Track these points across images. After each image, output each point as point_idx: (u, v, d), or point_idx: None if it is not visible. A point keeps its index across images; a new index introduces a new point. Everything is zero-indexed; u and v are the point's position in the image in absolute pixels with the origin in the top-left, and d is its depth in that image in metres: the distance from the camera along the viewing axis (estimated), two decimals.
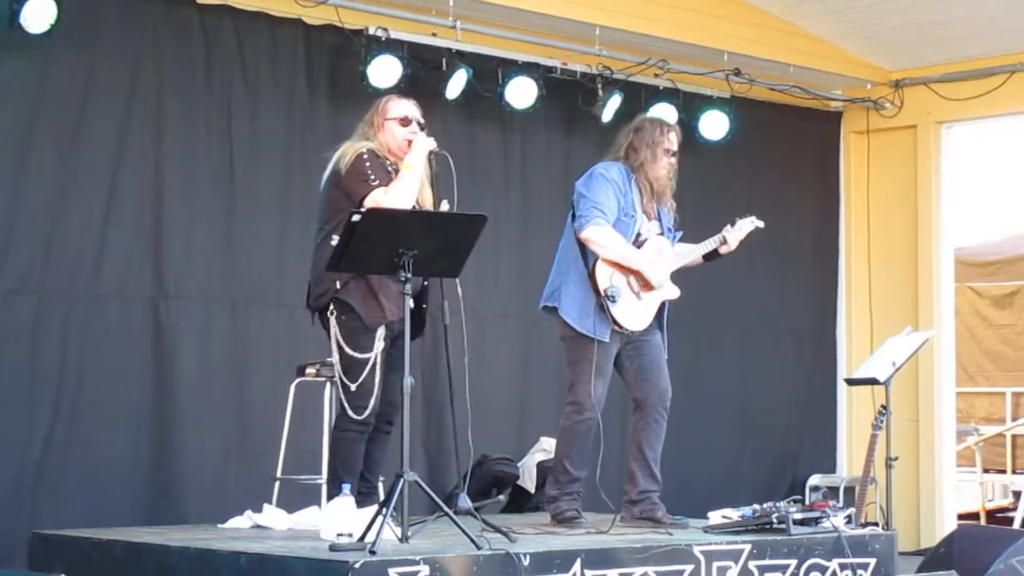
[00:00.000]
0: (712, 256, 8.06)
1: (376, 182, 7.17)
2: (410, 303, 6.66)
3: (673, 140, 7.88)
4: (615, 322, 7.64)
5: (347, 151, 7.28)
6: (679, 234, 8.04)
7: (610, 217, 7.65)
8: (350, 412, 7.19)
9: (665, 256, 7.85)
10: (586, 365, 7.60)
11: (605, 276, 7.65)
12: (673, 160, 7.86)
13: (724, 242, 8.00)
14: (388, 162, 7.32)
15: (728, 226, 8.03)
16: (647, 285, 7.73)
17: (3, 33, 8.25)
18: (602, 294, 7.61)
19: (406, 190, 7.15)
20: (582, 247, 7.68)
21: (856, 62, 12.02)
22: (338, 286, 7.15)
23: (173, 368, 8.98)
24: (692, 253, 8.01)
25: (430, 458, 9.70)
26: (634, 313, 7.73)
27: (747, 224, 8.08)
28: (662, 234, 7.89)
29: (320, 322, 7.37)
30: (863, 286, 12.45)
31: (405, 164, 7.23)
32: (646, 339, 7.83)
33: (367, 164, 7.21)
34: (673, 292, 7.88)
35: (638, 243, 7.76)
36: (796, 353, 12.32)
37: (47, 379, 8.55)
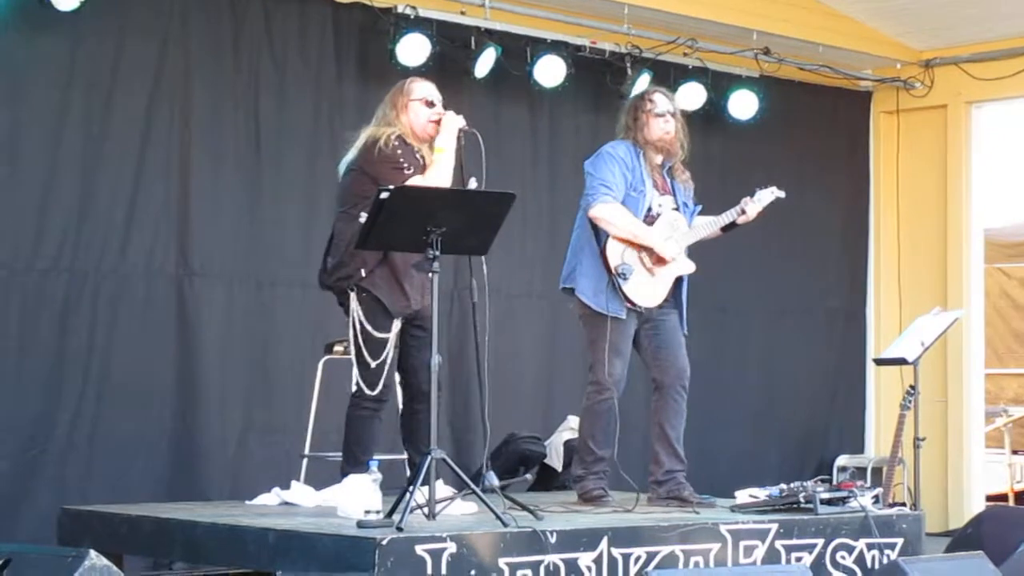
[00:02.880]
0: (730, 227, 8.04)
1: (410, 170, 7.15)
2: (428, 284, 6.65)
3: (657, 101, 7.88)
4: (627, 299, 7.66)
5: (377, 137, 7.21)
6: (698, 208, 8.03)
7: (618, 194, 7.66)
8: (365, 388, 7.18)
9: (680, 231, 7.85)
10: (603, 344, 7.62)
11: (616, 253, 7.67)
12: (668, 120, 7.84)
13: (743, 213, 7.98)
14: (415, 148, 7.30)
15: (747, 197, 8.01)
16: (660, 260, 7.73)
17: (33, 11, 8.28)
18: (613, 271, 7.63)
19: (443, 177, 7.14)
20: (594, 226, 7.70)
21: (886, 41, 11.99)
22: (363, 274, 7.15)
23: (199, 346, 9.02)
24: (711, 226, 7.98)
25: (457, 436, 9.72)
26: (647, 290, 7.74)
27: (767, 195, 8.04)
28: (676, 209, 7.89)
29: (339, 301, 7.37)
30: (892, 266, 12.44)
31: (437, 147, 7.21)
32: (663, 319, 7.84)
33: (399, 152, 7.18)
34: (688, 267, 7.88)
35: (650, 218, 7.77)
36: (826, 333, 12.32)
37: (76, 356, 8.60)
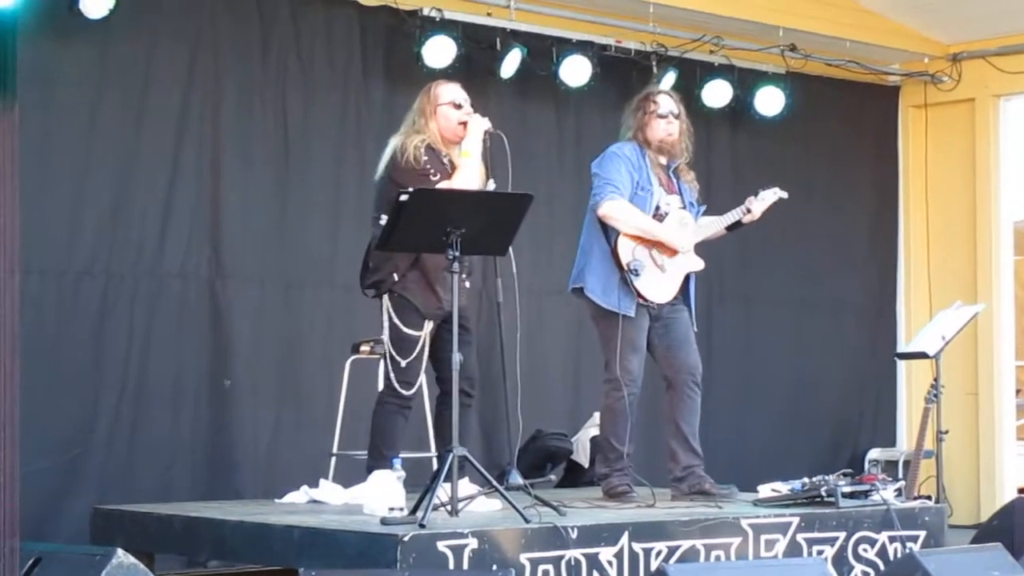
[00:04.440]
0: (734, 227, 8.13)
1: (436, 176, 7.27)
2: (460, 283, 6.78)
3: (662, 102, 7.96)
4: (639, 295, 7.74)
5: (404, 147, 7.34)
6: (703, 208, 8.12)
7: (624, 192, 7.76)
8: (398, 388, 7.32)
9: (688, 229, 7.93)
10: (616, 342, 7.70)
11: (627, 250, 7.75)
12: (671, 122, 7.92)
13: (747, 212, 8.06)
14: (443, 153, 7.41)
15: (751, 197, 8.09)
16: (671, 255, 7.82)
17: (63, 19, 8.40)
18: (625, 268, 7.71)
19: (469, 180, 7.25)
20: (603, 225, 7.78)
21: (913, 36, 12.00)
22: (395, 278, 7.29)
23: (231, 346, 9.13)
24: (716, 224, 8.08)
25: (485, 433, 9.80)
26: (658, 285, 7.82)
27: (770, 195, 8.13)
28: (684, 208, 7.97)
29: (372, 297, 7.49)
30: (922, 260, 12.45)
31: (463, 151, 7.33)
32: (673, 316, 7.92)
33: (425, 159, 7.30)
34: (697, 264, 7.96)
35: (658, 216, 7.85)
36: (856, 328, 12.33)
37: (113, 358, 8.72)
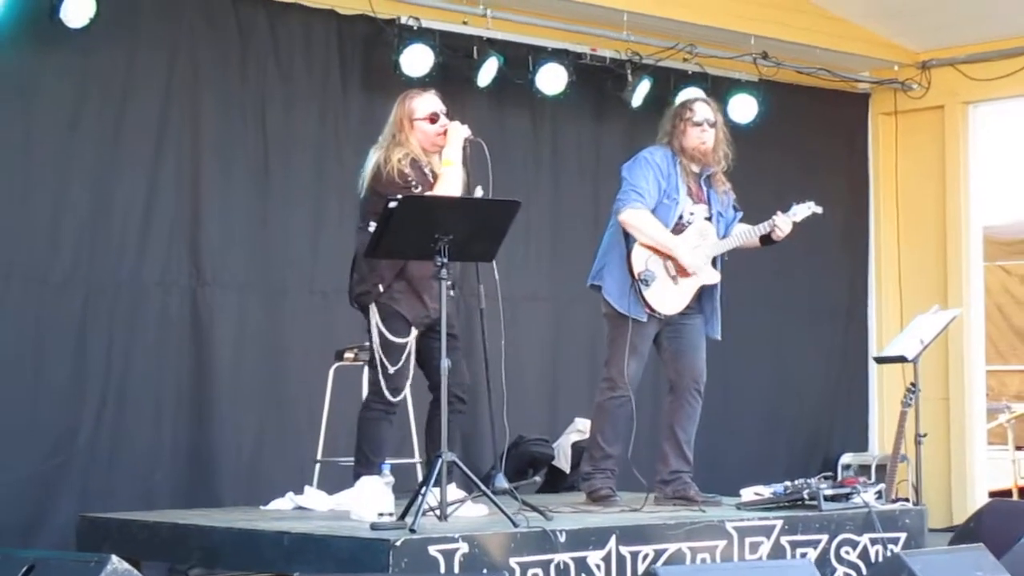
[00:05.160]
0: (767, 241, 8.07)
1: (419, 188, 7.31)
2: (448, 290, 6.82)
3: (698, 110, 7.96)
4: (647, 305, 7.76)
5: (387, 160, 7.37)
6: (738, 215, 8.10)
7: (649, 200, 7.76)
8: (387, 394, 7.36)
9: (709, 241, 7.92)
10: (622, 343, 7.73)
11: (641, 260, 7.77)
12: (706, 131, 7.91)
13: (774, 227, 7.99)
14: (424, 164, 7.44)
15: (779, 212, 8.04)
16: (683, 270, 7.84)
17: (44, 27, 8.42)
18: (636, 277, 7.72)
19: (451, 188, 7.29)
20: (624, 229, 7.81)
21: (883, 43, 12.12)
22: (381, 289, 7.32)
23: (212, 354, 9.17)
24: (747, 235, 8.02)
25: (465, 439, 9.82)
26: (669, 297, 7.82)
27: (803, 210, 8.11)
28: (710, 218, 7.96)
29: (359, 310, 7.53)
30: (893, 265, 12.56)
31: (445, 160, 7.37)
32: (686, 322, 7.94)
33: (407, 171, 7.33)
34: (712, 277, 7.94)
35: (680, 226, 7.84)
36: (828, 332, 12.44)
37: (94, 366, 8.75)
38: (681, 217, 7.86)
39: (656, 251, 7.78)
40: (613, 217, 7.90)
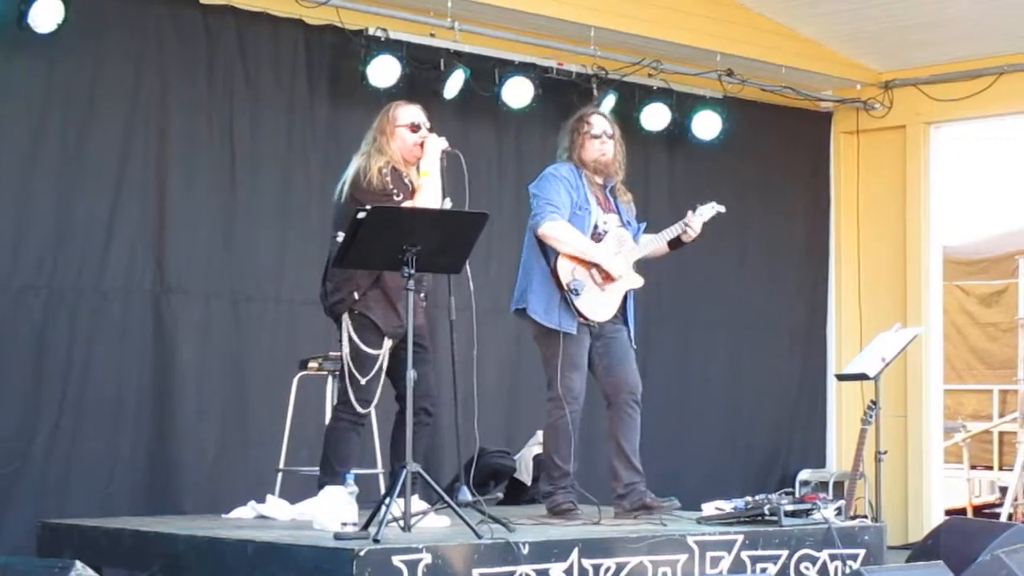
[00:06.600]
0: (676, 244, 8.17)
1: (399, 196, 7.37)
2: (418, 302, 6.86)
3: (595, 123, 8.06)
4: (580, 314, 7.82)
5: (368, 167, 7.42)
6: (642, 225, 8.20)
7: (564, 212, 7.83)
8: (356, 406, 7.41)
9: (627, 247, 8.02)
10: (558, 360, 7.77)
11: (567, 271, 7.82)
12: (605, 142, 8.01)
13: (686, 228, 8.11)
14: (404, 174, 7.50)
15: (689, 212, 8.16)
16: (608, 276, 7.90)
17: (12, 33, 8.41)
18: (565, 288, 7.78)
19: (431, 200, 7.37)
20: (542, 245, 7.86)
21: (846, 63, 12.21)
22: (356, 297, 7.36)
23: (175, 362, 9.15)
24: (655, 241, 8.13)
25: (427, 451, 9.84)
26: (599, 304, 7.89)
27: (708, 210, 8.19)
28: (623, 226, 8.06)
29: (333, 319, 7.55)
30: (853, 284, 12.64)
31: (423, 171, 7.45)
32: (613, 336, 7.99)
33: (388, 180, 7.39)
34: (636, 281, 8.04)
35: (597, 235, 7.93)
36: (787, 349, 12.51)
37: (55, 372, 8.72)
38: (596, 227, 7.95)
39: (580, 261, 7.85)
40: (528, 238, 7.97)
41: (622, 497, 7.93)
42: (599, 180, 8.04)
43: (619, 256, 7.96)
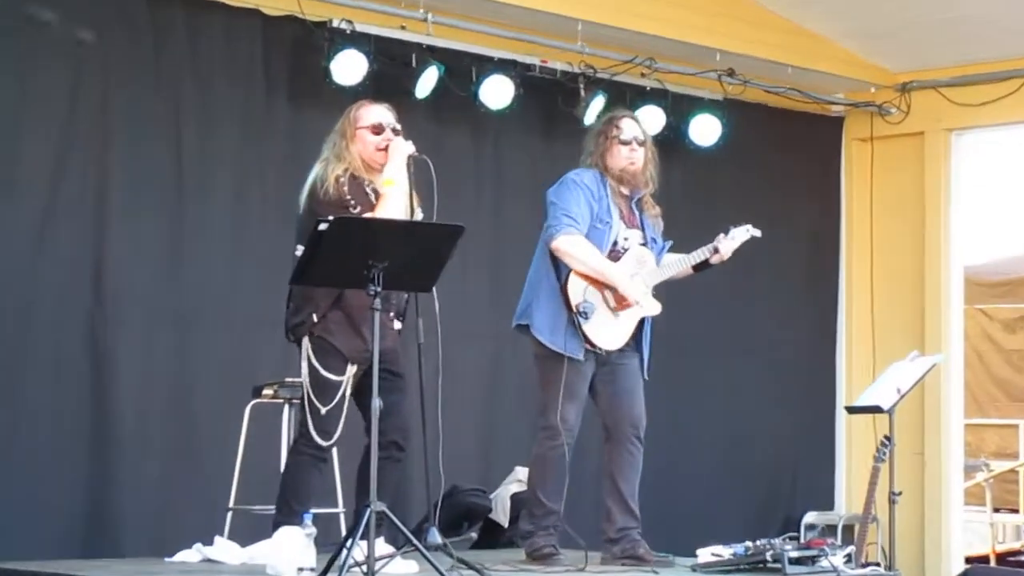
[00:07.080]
0: (702, 267, 8.15)
1: (358, 209, 7.31)
2: (388, 324, 6.83)
3: (625, 128, 8.03)
4: (587, 340, 7.79)
5: (324, 176, 7.38)
6: (668, 244, 8.16)
7: (582, 225, 7.80)
8: (316, 437, 7.35)
9: (647, 268, 7.99)
10: (558, 386, 7.75)
11: (578, 290, 7.80)
12: (635, 149, 7.98)
13: (716, 252, 8.10)
14: (366, 181, 7.44)
15: (721, 235, 8.13)
16: (624, 301, 7.88)
17: None
18: (574, 309, 7.76)
19: (394, 211, 7.30)
20: (554, 259, 7.83)
21: (860, 63, 12.22)
22: (315, 319, 7.31)
23: (115, 391, 9.09)
24: (680, 264, 8.09)
25: (395, 490, 9.82)
26: (609, 331, 7.87)
27: (742, 233, 8.17)
28: (645, 244, 8.03)
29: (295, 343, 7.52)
30: (865, 307, 12.63)
31: (386, 179, 7.37)
32: (622, 363, 7.97)
33: (345, 189, 7.34)
34: (654, 308, 8.00)
35: (616, 252, 7.90)
36: (792, 379, 12.49)
37: None
38: (616, 243, 7.92)
39: (593, 281, 7.82)
40: (540, 248, 7.95)
41: (613, 542, 7.91)
42: (625, 191, 7.99)
43: (637, 278, 7.92)
